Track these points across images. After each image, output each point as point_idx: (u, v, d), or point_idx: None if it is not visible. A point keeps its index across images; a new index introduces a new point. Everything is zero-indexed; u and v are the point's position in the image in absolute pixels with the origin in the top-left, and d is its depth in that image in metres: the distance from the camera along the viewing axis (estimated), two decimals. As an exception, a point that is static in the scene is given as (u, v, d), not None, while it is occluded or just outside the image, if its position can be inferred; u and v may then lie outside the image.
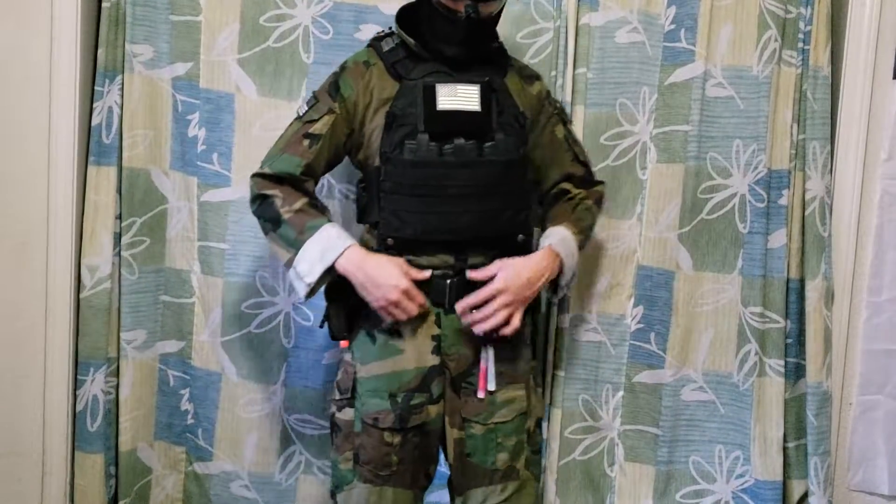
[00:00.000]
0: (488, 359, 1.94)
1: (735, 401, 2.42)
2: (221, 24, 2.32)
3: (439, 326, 1.92)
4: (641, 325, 2.39)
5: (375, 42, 2.01)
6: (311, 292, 1.88)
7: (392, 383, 1.91)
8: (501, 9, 1.96)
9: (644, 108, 2.34)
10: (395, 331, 1.91)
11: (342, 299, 1.92)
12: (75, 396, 2.37)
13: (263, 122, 2.33)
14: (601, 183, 2.16)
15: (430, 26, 1.92)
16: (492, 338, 1.91)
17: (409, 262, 1.89)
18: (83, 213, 2.35)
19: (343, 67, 1.99)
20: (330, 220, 1.89)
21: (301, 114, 1.96)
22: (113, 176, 2.34)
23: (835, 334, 2.40)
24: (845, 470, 2.48)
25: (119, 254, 2.38)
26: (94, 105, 2.32)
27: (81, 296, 2.34)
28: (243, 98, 2.33)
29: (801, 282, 2.38)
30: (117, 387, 2.42)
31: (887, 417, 2.45)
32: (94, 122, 2.32)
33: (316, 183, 1.98)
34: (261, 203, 1.92)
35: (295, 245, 1.86)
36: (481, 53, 1.97)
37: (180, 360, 2.45)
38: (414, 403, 1.90)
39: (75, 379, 2.37)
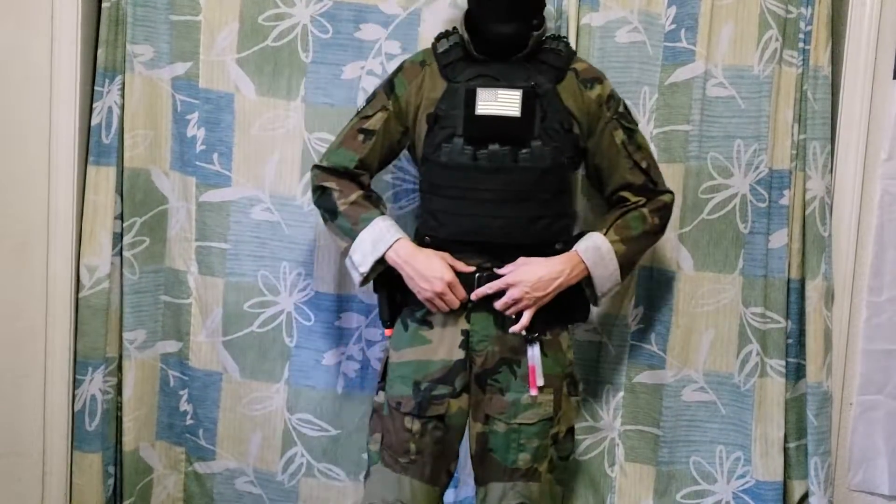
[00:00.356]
0: (534, 357, 1.95)
1: (736, 401, 2.42)
2: (221, 24, 2.32)
3: (469, 322, 1.96)
4: (642, 326, 2.39)
5: (435, 41, 2.03)
6: (365, 280, 1.97)
7: (418, 371, 1.95)
8: None
9: (644, 107, 2.34)
10: (426, 321, 1.97)
11: (388, 289, 2.00)
12: (74, 396, 2.37)
13: (262, 122, 2.34)
14: (667, 192, 2.08)
15: (478, 10, 1.93)
16: (535, 338, 1.94)
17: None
18: (83, 214, 2.35)
19: (401, 66, 2.04)
20: (383, 213, 1.96)
21: (360, 109, 2.04)
22: (112, 176, 2.34)
23: (835, 334, 2.40)
24: (846, 470, 2.47)
25: (121, 254, 2.38)
26: (94, 105, 2.33)
27: (80, 295, 2.35)
28: (242, 98, 2.33)
29: (802, 282, 2.38)
30: (118, 386, 2.43)
31: (888, 417, 2.45)
32: (94, 121, 2.32)
33: (372, 176, 2.05)
34: (320, 195, 2.00)
35: (350, 235, 1.95)
36: (526, 38, 1.96)
37: (178, 361, 2.45)
38: (435, 394, 1.94)
39: (74, 379, 2.37)
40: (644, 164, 2.04)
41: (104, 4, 2.30)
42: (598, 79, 2.04)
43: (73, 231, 2.34)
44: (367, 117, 2.00)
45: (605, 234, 1.98)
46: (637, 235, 2.01)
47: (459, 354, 1.95)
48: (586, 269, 1.95)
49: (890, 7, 2.31)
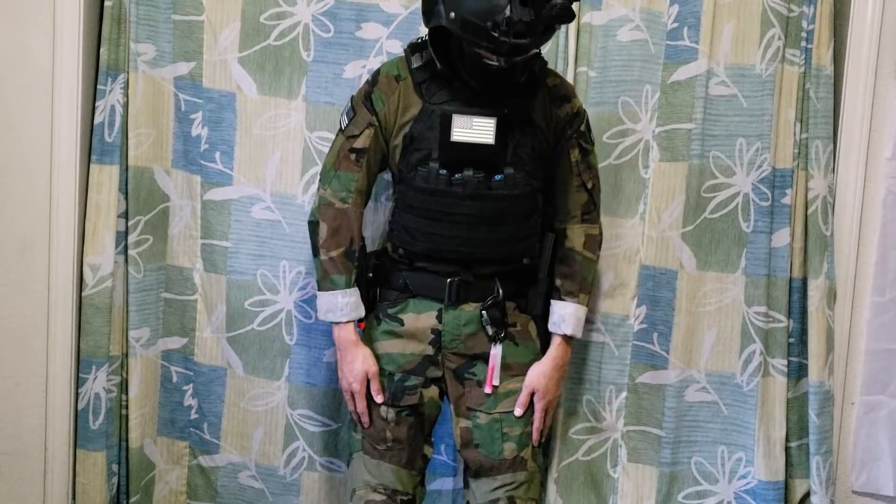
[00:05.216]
0: (496, 356, 2.03)
1: (738, 402, 2.41)
2: (223, 23, 2.33)
3: (440, 321, 2.02)
4: (644, 326, 2.38)
5: (408, 53, 2.01)
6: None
7: (390, 363, 2.03)
8: (539, 52, 1.95)
9: (647, 106, 2.33)
10: (397, 318, 2.04)
11: (364, 286, 2.06)
12: (77, 395, 2.37)
13: (264, 121, 2.34)
14: (596, 222, 2.13)
15: (462, 61, 1.91)
16: (501, 338, 2.03)
17: (420, 269, 2.01)
18: (85, 212, 2.35)
19: (376, 80, 2.01)
20: (350, 284, 2.01)
21: (343, 127, 2.03)
22: (115, 175, 2.35)
23: (837, 334, 2.40)
24: (848, 471, 2.47)
25: (125, 252, 2.39)
26: (97, 104, 2.33)
27: (84, 294, 2.35)
28: (244, 97, 2.34)
29: (804, 281, 2.38)
30: (122, 384, 2.43)
31: (891, 417, 2.44)
32: (97, 120, 2.33)
33: (369, 195, 2.08)
34: (312, 228, 2.04)
35: (318, 284, 2.05)
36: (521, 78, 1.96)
37: (183, 357, 2.46)
38: (408, 384, 2.03)
39: (77, 377, 2.37)
40: (589, 185, 2.10)
41: (106, 3, 2.30)
42: (566, 97, 2.06)
43: (76, 230, 2.33)
44: (355, 136, 2.00)
45: (579, 303, 2.09)
46: (592, 278, 2.14)
47: (429, 350, 2.03)
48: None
49: (892, 6, 2.30)
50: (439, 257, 1.99)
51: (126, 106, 2.34)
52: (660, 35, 2.33)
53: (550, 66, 2.24)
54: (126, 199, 2.38)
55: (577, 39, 2.32)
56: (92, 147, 2.34)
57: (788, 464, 2.42)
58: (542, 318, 2.11)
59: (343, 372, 2.03)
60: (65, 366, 2.36)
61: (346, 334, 2.02)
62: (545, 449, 2.31)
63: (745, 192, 2.35)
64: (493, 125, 1.92)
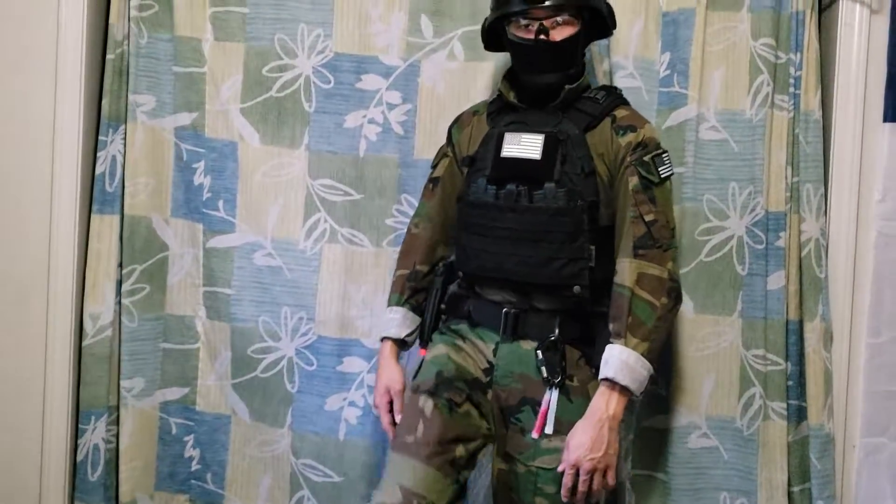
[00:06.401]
0: (551, 401, 1.91)
1: (739, 446, 2.40)
2: (224, 75, 2.37)
3: (495, 355, 2.00)
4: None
5: (496, 96, 2.13)
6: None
7: (445, 365, 2.01)
8: (578, 38, 1.99)
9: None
10: (460, 334, 2.05)
11: (430, 315, 2.11)
12: (76, 446, 2.34)
13: (266, 169, 2.37)
14: (656, 262, 1.89)
15: (517, 62, 2.02)
16: (556, 383, 1.91)
17: (482, 297, 2.03)
18: (85, 262, 2.36)
19: (459, 118, 2.17)
20: (399, 302, 2.10)
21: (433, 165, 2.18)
22: (116, 224, 2.37)
23: (835, 376, 2.39)
24: (852, 514, 2.45)
25: (119, 301, 2.38)
26: (98, 154, 2.36)
27: (83, 344, 2.35)
28: (246, 146, 2.37)
29: (801, 323, 2.38)
30: (117, 436, 2.40)
31: (892, 459, 2.43)
32: (98, 170, 2.35)
33: (444, 223, 2.14)
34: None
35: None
36: (567, 85, 1.99)
37: (183, 407, 2.44)
38: (456, 385, 1.99)
39: (76, 428, 2.35)
40: (648, 217, 1.91)
41: (108, 56, 2.35)
42: (633, 126, 1.98)
43: (74, 279, 2.34)
44: (434, 167, 2.17)
45: (625, 345, 1.84)
46: (653, 326, 1.86)
47: (483, 377, 2.00)
48: (625, 388, 1.84)
49: (877, 51, 2.36)
50: (488, 277, 2.00)
51: (125, 155, 2.37)
52: (653, 82, 2.38)
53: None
54: (121, 247, 2.39)
55: None
56: (93, 197, 2.36)
57: (792, 509, 2.40)
58: None
59: (375, 384, 2.09)
60: (62, 416, 2.34)
61: (383, 349, 2.10)
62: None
63: (739, 236, 2.38)
64: (540, 141, 1.97)
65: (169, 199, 2.42)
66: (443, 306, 2.11)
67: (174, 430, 2.44)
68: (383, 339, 2.11)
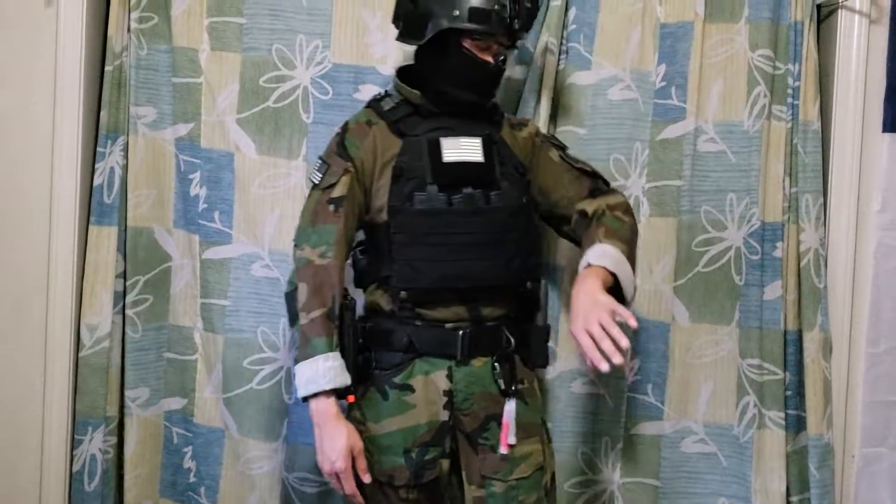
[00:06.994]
0: (510, 412, 1.92)
1: (736, 453, 2.40)
2: (221, 86, 2.37)
3: (451, 381, 1.93)
4: (639, 378, 2.39)
5: (374, 103, 2.06)
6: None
7: (407, 439, 1.91)
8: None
9: (637, 162, 2.37)
10: (407, 386, 1.92)
11: (350, 356, 1.89)
12: (72, 456, 2.36)
13: (262, 180, 2.37)
14: (615, 192, 2.08)
15: (453, 74, 1.96)
16: (513, 392, 1.93)
17: (422, 318, 1.92)
18: (83, 273, 2.37)
19: (345, 129, 2.02)
20: (332, 347, 1.83)
21: (317, 182, 1.96)
22: (114, 235, 2.37)
23: (834, 386, 2.39)
24: (850, 525, 2.45)
25: (123, 312, 2.40)
26: (97, 166, 2.36)
27: (81, 354, 2.35)
28: (242, 157, 2.37)
29: (799, 333, 2.38)
30: (118, 445, 2.42)
31: (892, 470, 2.43)
32: (96, 182, 2.36)
33: (349, 248, 1.98)
34: (289, 298, 1.93)
35: (299, 353, 1.86)
36: (485, 104, 2.04)
37: (183, 418, 2.45)
38: (428, 458, 1.92)
39: (73, 438, 2.36)
40: (588, 168, 2.09)
41: (107, 68, 2.35)
42: (523, 122, 2.16)
43: (73, 290, 2.35)
44: (331, 186, 1.93)
45: (601, 243, 1.92)
46: (626, 235, 1.98)
47: (444, 416, 1.92)
48: (609, 274, 1.88)
49: (875, 62, 2.36)
50: (446, 288, 1.91)
51: (125, 168, 2.37)
52: (648, 94, 2.37)
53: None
54: (125, 259, 2.40)
55: (558, 98, 2.37)
56: (91, 208, 2.37)
57: (791, 520, 2.40)
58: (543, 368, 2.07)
59: (324, 452, 1.81)
60: (61, 426, 2.35)
61: (326, 406, 1.81)
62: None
63: (736, 246, 2.38)
64: (479, 143, 1.98)
65: (171, 209, 2.42)
66: (360, 340, 1.93)
67: (175, 440, 2.45)
68: (320, 393, 1.81)
